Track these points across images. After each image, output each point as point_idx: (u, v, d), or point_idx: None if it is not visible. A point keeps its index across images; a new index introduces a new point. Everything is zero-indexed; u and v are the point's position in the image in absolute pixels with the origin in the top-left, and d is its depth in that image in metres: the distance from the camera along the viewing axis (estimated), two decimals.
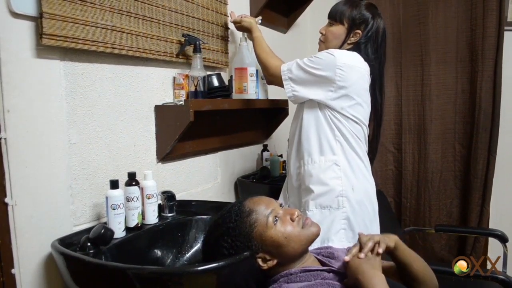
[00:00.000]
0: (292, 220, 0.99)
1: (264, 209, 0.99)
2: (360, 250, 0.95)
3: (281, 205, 1.05)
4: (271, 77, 1.53)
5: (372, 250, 0.94)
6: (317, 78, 1.39)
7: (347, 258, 0.95)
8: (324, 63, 1.38)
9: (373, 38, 1.45)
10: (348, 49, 1.45)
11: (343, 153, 1.43)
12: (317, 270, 0.98)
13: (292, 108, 1.63)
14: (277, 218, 0.99)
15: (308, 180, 1.44)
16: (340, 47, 1.46)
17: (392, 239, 0.99)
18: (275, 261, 0.98)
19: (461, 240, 2.36)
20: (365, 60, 1.44)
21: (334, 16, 1.47)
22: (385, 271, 0.94)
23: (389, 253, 1.00)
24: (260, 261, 0.98)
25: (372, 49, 1.46)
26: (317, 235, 1.01)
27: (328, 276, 0.97)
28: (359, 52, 1.44)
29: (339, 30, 1.46)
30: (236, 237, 0.97)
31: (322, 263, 1.04)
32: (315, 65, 1.39)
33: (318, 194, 1.41)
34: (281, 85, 1.47)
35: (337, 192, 1.40)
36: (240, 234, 0.97)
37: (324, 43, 1.50)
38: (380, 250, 0.94)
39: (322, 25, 1.53)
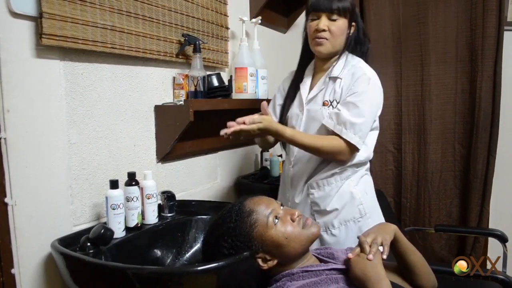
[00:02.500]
0: (293, 220, 0.99)
1: (264, 209, 0.99)
2: (362, 251, 0.95)
3: (282, 205, 1.05)
4: (342, 157, 1.30)
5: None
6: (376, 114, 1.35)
7: (350, 255, 0.95)
8: (376, 95, 1.33)
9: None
10: (352, 51, 1.39)
11: (356, 167, 1.38)
12: (319, 270, 0.98)
13: None
14: (277, 218, 0.99)
15: (325, 203, 1.36)
16: (346, 43, 1.37)
17: (392, 232, 1.00)
18: (275, 261, 0.98)
19: (461, 240, 2.36)
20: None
21: (338, 10, 1.31)
22: (386, 268, 0.94)
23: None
24: (260, 261, 0.98)
25: None
26: (317, 235, 1.02)
27: (331, 272, 0.97)
28: (366, 58, 1.42)
29: (344, 24, 1.34)
30: (236, 237, 0.97)
31: (322, 262, 1.04)
32: (373, 104, 1.32)
33: (339, 210, 1.36)
34: (354, 154, 1.33)
35: (357, 201, 1.36)
36: (240, 234, 0.97)
37: (330, 41, 1.33)
38: (384, 256, 0.94)
39: None
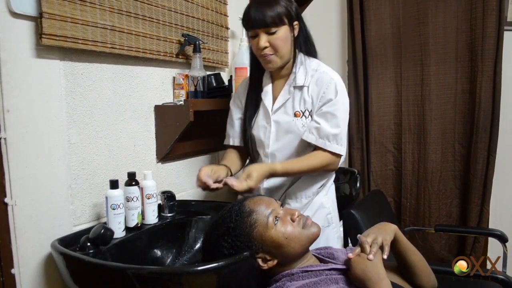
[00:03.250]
0: (293, 220, 0.99)
1: (264, 209, 0.99)
2: (362, 251, 0.95)
3: (282, 205, 1.05)
4: (332, 166, 1.32)
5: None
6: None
7: (351, 255, 0.95)
8: (346, 98, 1.29)
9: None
10: (306, 53, 1.33)
11: (328, 177, 1.39)
12: (318, 270, 0.98)
13: None
14: (277, 218, 0.98)
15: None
16: (292, 48, 1.29)
17: (392, 232, 1.00)
18: (275, 261, 0.98)
19: (461, 240, 2.36)
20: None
21: (274, 22, 1.22)
22: (387, 268, 0.94)
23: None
24: (260, 261, 0.98)
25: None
26: (317, 235, 1.01)
27: (330, 273, 0.97)
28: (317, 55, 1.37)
29: (286, 32, 1.25)
30: (236, 237, 0.97)
31: (322, 262, 1.04)
32: (346, 109, 1.30)
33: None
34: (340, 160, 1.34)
35: (326, 210, 1.38)
36: (240, 234, 0.97)
37: (276, 55, 1.26)
38: (385, 256, 0.94)
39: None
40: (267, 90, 1.36)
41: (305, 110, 1.30)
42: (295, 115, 1.31)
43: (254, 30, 1.25)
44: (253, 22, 1.23)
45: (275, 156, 1.34)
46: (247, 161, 1.49)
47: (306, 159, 1.29)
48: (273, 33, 1.23)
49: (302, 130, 1.30)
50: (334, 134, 1.27)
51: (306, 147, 1.32)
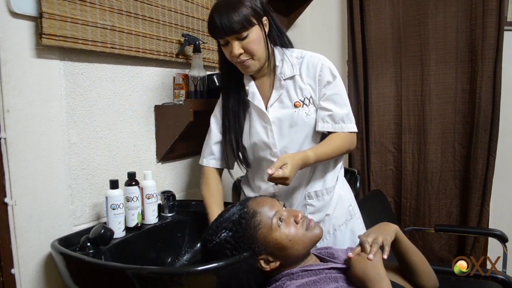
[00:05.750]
0: (296, 222, 0.99)
1: (268, 211, 0.99)
2: (362, 250, 0.95)
3: (284, 205, 1.04)
4: (353, 146, 1.30)
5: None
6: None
7: (351, 255, 0.95)
8: (338, 73, 1.27)
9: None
10: (282, 44, 1.29)
11: (340, 167, 1.35)
12: (318, 269, 0.98)
13: None
14: (281, 220, 0.98)
15: (322, 214, 1.30)
16: (266, 46, 1.21)
17: (393, 232, 0.99)
18: (278, 263, 0.97)
19: (461, 240, 2.36)
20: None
21: (242, 27, 1.13)
22: (387, 268, 0.94)
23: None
24: (262, 263, 0.98)
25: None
26: (320, 237, 1.01)
27: (330, 272, 0.97)
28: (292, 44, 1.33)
29: (257, 32, 1.17)
30: (240, 238, 0.96)
31: (322, 261, 1.04)
32: (342, 83, 1.27)
33: (330, 215, 1.31)
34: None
35: (346, 203, 1.33)
36: (244, 235, 0.96)
37: (253, 58, 1.19)
38: (385, 256, 0.94)
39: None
40: (253, 91, 1.28)
41: (304, 98, 1.25)
42: (295, 105, 1.25)
43: (224, 39, 1.17)
44: (220, 31, 1.14)
45: (286, 153, 1.23)
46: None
47: (330, 142, 1.24)
48: (244, 38, 1.15)
49: (307, 120, 1.25)
50: (346, 114, 1.25)
51: (316, 136, 1.28)
